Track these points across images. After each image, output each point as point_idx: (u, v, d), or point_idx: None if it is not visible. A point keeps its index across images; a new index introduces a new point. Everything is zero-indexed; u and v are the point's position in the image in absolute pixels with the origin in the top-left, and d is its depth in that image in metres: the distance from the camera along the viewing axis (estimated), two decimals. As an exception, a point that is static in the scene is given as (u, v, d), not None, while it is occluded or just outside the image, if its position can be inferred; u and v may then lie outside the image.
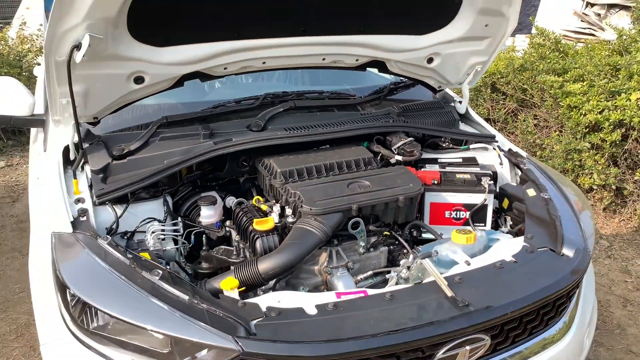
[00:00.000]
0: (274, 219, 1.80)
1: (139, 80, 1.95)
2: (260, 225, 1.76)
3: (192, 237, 1.94)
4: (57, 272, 1.55)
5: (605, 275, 3.51)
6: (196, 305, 1.41)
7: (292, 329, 1.37)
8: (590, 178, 4.02)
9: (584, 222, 1.92)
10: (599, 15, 7.84)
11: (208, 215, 1.96)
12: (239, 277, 1.61)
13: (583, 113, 3.98)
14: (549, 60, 4.49)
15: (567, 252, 1.74)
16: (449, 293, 1.50)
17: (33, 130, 2.74)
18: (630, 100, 3.73)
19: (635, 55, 4.03)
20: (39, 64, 6.24)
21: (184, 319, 1.36)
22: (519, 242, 1.80)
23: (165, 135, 2.04)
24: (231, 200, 2.07)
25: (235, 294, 1.52)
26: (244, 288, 1.58)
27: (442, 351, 1.42)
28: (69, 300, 1.55)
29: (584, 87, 4.06)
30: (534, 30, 5.09)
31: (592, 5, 8.08)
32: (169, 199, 1.98)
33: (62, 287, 1.56)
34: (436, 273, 1.56)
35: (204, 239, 1.92)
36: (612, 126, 3.80)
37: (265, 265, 1.62)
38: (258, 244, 1.74)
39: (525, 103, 4.88)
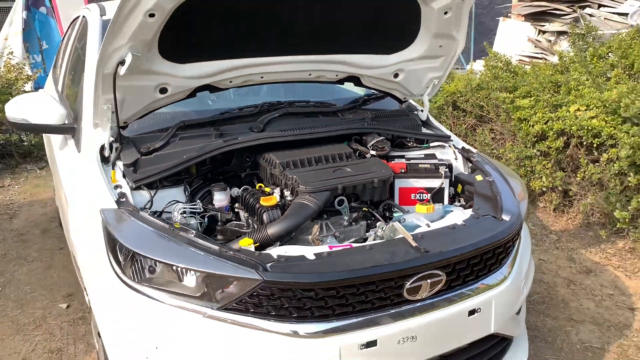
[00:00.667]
0: (276, 197, 2.27)
1: (163, 90, 2.42)
2: (266, 201, 2.22)
3: (206, 219, 2.39)
4: (111, 237, 1.98)
5: (553, 262, 4.05)
6: (224, 252, 1.87)
7: (298, 267, 1.84)
8: (540, 181, 4.59)
9: (522, 205, 2.45)
10: (549, 41, 8.60)
11: (220, 199, 2.41)
12: (253, 238, 2.07)
13: (531, 124, 4.56)
14: (501, 80, 5.11)
15: (505, 217, 2.25)
16: (414, 244, 1.98)
17: (57, 140, 3.16)
18: (569, 112, 4.33)
19: (573, 73, 4.66)
20: (25, 91, 6.65)
21: (216, 260, 1.82)
22: (468, 212, 2.31)
23: (183, 136, 2.50)
24: (235, 191, 2.52)
25: (252, 248, 1.97)
26: (257, 244, 2.03)
27: (408, 282, 1.90)
28: (120, 260, 1.98)
29: (532, 101, 4.65)
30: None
31: (544, 32, 8.85)
32: (187, 186, 2.43)
33: (113, 249, 2.00)
34: (404, 231, 2.05)
35: (219, 216, 2.36)
36: (555, 135, 4.39)
37: (273, 229, 2.08)
38: (265, 216, 2.20)
39: (483, 118, 5.48)
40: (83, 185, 2.37)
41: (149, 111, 2.52)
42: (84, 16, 3.59)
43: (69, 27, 4.45)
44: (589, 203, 4.35)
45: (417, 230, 2.15)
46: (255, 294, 1.79)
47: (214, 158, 2.48)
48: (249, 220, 2.32)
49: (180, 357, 1.85)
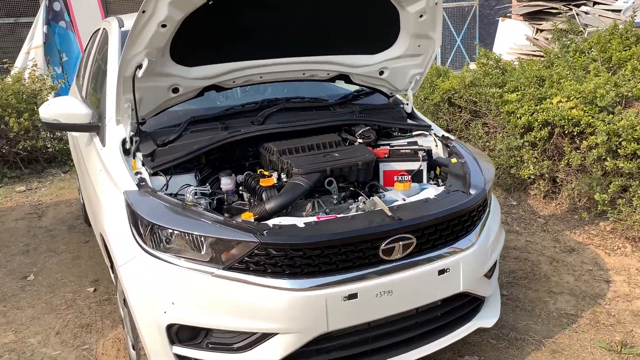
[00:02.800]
0: (274, 179, 2.63)
1: (175, 90, 2.81)
2: (265, 182, 2.59)
3: (215, 200, 2.75)
4: (134, 213, 2.36)
5: (539, 243, 4.36)
6: (228, 221, 2.23)
7: (289, 232, 2.20)
8: (528, 170, 4.90)
9: (488, 183, 2.78)
10: (547, 39, 8.88)
11: (226, 183, 2.76)
12: (253, 212, 2.43)
13: (518, 117, 4.87)
14: (491, 76, 5.43)
15: (472, 192, 2.59)
16: (389, 213, 2.33)
17: (83, 139, 3.56)
18: (552, 104, 4.64)
19: (556, 68, 4.97)
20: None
21: (222, 227, 2.19)
22: (441, 188, 2.66)
23: (193, 129, 2.86)
24: (240, 177, 2.88)
25: (251, 220, 2.34)
26: (257, 217, 2.40)
27: (383, 244, 2.25)
28: (141, 231, 2.35)
29: (518, 95, 4.97)
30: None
31: (541, 30, 9.14)
32: (198, 173, 2.80)
33: (135, 223, 2.37)
34: (381, 203, 2.40)
35: (225, 198, 2.73)
36: (540, 125, 4.70)
37: (270, 204, 2.44)
38: (264, 194, 2.56)
39: (477, 113, 5.79)
40: (109, 173, 2.75)
41: (164, 109, 2.90)
42: (104, 28, 4.00)
43: (90, 39, 4.86)
44: (573, 188, 4.65)
45: (394, 204, 2.50)
46: (253, 254, 2.16)
47: (220, 148, 2.84)
48: (251, 200, 2.68)
49: (192, 310, 2.22)
